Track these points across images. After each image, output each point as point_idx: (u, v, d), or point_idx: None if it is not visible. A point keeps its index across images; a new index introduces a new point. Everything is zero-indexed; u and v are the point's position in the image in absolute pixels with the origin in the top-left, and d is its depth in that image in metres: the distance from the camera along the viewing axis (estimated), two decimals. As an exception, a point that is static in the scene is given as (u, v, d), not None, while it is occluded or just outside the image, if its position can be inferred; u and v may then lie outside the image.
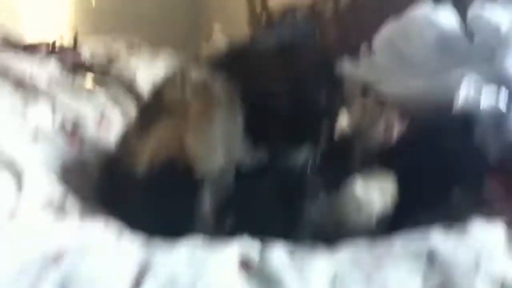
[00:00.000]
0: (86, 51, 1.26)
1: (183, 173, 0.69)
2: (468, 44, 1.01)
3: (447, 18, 1.05)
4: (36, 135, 0.81)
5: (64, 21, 2.01)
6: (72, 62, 1.12)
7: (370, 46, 1.17)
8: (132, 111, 0.99)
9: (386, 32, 1.13)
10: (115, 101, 1.02)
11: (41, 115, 0.85)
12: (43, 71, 1.00)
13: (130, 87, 1.06)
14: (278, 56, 0.73)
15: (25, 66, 0.99)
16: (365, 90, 1.12)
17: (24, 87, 0.91)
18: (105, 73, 1.11)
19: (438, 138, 0.75)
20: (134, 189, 0.73)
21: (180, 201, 0.69)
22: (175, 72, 0.80)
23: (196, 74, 0.74)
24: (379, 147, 0.87)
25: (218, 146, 0.69)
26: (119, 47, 1.37)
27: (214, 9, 1.98)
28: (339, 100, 0.77)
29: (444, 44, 1.03)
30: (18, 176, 0.71)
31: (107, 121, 0.94)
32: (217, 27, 1.45)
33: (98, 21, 1.99)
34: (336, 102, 0.76)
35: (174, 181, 0.69)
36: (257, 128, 0.70)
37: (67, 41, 1.47)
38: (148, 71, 1.10)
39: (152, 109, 0.76)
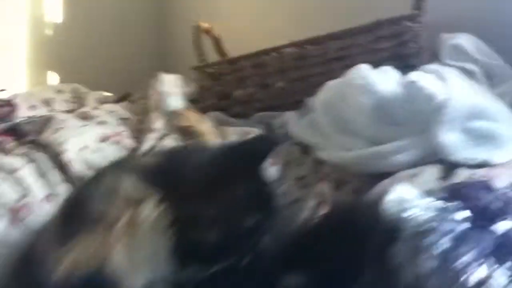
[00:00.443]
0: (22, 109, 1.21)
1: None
2: (404, 111, 0.99)
3: (385, 82, 1.03)
4: None
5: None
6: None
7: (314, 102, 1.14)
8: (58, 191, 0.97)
9: (326, 92, 1.10)
10: (41, 177, 0.98)
11: None
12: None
13: (56, 160, 1.02)
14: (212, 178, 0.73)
15: None
16: (305, 152, 1.11)
17: None
18: (35, 142, 1.07)
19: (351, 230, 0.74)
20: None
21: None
22: (107, 180, 0.77)
23: (129, 186, 0.72)
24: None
25: (144, 263, 0.68)
26: (59, 102, 1.32)
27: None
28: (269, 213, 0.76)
29: (381, 110, 1.00)
30: None
31: (26, 208, 0.90)
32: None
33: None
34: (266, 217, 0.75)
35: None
36: (185, 248, 0.69)
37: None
38: (78, 141, 1.06)
39: (78, 215, 0.73)
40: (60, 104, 1.34)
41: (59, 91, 1.42)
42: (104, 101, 1.44)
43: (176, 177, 0.74)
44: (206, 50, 1.39)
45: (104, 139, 1.10)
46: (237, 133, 1.16)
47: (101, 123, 1.17)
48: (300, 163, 1.06)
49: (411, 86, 0.97)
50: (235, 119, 1.27)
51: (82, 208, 0.74)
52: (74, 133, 1.08)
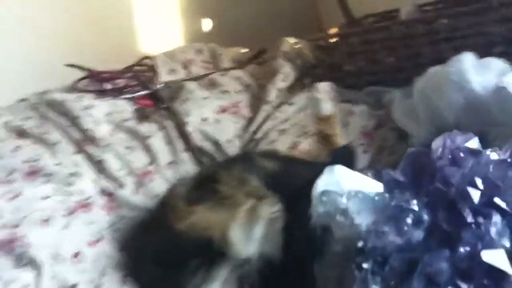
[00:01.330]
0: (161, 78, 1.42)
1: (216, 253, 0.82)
2: (496, 114, 0.99)
3: (483, 79, 1.02)
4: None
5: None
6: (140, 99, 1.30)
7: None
8: (180, 159, 1.17)
9: (425, 80, 1.12)
10: (168, 145, 1.19)
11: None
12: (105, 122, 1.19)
13: (181, 129, 1.22)
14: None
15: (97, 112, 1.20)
16: (401, 138, 1.15)
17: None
18: (168, 109, 1.27)
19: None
20: (165, 242, 0.92)
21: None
22: (237, 171, 0.95)
23: (254, 183, 0.90)
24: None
25: (254, 242, 0.82)
26: (197, 64, 1.51)
27: None
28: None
29: (472, 109, 1.01)
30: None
31: (151, 174, 1.12)
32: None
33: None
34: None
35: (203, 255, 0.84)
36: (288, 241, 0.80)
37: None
38: (200, 113, 1.24)
39: (210, 188, 0.92)
40: (197, 66, 1.53)
41: (199, 51, 1.61)
42: (238, 59, 1.60)
43: (290, 187, 0.89)
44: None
45: (222, 111, 1.28)
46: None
47: (223, 92, 1.34)
48: (392, 151, 1.12)
49: (502, 91, 0.96)
50: (346, 91, 1.34)
51: (214, 183, 0.92)
52: (197, 105, 1.27)
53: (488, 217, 0.18)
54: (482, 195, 0.18)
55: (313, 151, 1.15)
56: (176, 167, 1.15)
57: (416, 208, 0.17)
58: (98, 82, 1.35)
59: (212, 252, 0.82)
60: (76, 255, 0.92)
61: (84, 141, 1.14)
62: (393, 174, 0.20)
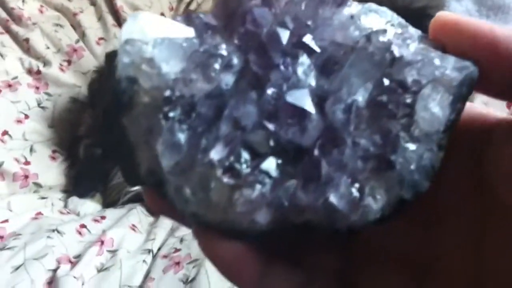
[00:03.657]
0: None
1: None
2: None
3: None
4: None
5: None
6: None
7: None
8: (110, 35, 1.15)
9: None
10: (99, 21, 1.17)
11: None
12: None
13: (111, 4, 1.18)
14: None
15: None
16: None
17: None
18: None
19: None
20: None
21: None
22: None
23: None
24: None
25: None
26: None
27: None
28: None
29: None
30: None
31: (81, 51, 1.10)
32: None
33: None
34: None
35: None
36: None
37: None
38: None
39: None
40: None
41: None
42: None
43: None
44: None
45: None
46: None
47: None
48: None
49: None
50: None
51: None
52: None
53: (295, 57, 0.18)
54: (291, 35, 0.18)
55: None
56: (106, 44, 1.14)
57: (225, 52, 0.17)
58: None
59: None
60: (3, 134, 0.94)
61: (10, 21, 1.11)
62: (204, 18, 0.19)
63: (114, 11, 1.18)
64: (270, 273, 0.20)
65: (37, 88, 1.03)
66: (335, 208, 0.18)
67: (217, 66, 0.19)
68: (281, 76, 0.19)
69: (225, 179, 0.18)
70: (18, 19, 1.11)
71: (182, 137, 0.18)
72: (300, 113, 0.19)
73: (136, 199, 0.90)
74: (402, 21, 0.20)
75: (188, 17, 0.21)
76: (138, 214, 0.87)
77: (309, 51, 0.20)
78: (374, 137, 0.19)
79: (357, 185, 0.19)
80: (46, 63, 1.06)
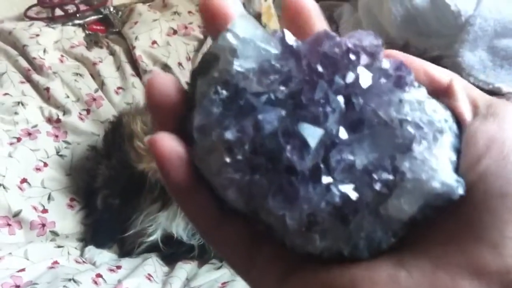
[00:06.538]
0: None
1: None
2: (433, 24, 0.98)
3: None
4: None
5: None
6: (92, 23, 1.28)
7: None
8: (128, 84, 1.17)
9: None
10: (117, 70, 1.20)
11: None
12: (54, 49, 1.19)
13: (129, 54, 1.21)
14: None
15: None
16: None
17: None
18: (119, 33, 1.26)
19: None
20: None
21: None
22: None
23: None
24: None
25: None
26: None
27: None
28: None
29: (411, 21, 1.00)
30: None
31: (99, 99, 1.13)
32: None
33: None
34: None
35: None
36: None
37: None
38: (149, 36, 1.23)
39: None
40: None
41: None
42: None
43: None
44: None
45: (173, 33, 1.26)
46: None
47: (175, 13, 1.32)
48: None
49: (438, 1, 0.94)
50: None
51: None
52: (146, 28, 1.25)
53: (337, 106, 0.21)
54: (346, 87, 0.20)
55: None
56: (124, 93, 1.16)
57: (288, 73, 0.20)
58: (49, 9, 1.33)
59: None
60: (22, 181, 0.95)
61: (32, 70, 1.14)
62: (301, 46, 0.19)
63: (133, 60, 1.20)
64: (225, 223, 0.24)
65: (56, 136, 1.04)
66: (286, 226, 0.21)
67: (273, 78, 0.21)
68: (314, 112, 0.21)
69: (225, 157, 0.22)
70: (39, 69, 1.14)
71: (216, 111, 0.22)
72: (302, 143, 0.21)
73: (152, 248, 0.90)
74: (453, 126, 0.22)
75: (291, 38, 0.23)
76: (153, 264, 0.87)
77: (352, 107, 0.22)
78: (346, 192, 0.21)
79: (312, 218, 0.21)
80: (65, 111, 1.08)
